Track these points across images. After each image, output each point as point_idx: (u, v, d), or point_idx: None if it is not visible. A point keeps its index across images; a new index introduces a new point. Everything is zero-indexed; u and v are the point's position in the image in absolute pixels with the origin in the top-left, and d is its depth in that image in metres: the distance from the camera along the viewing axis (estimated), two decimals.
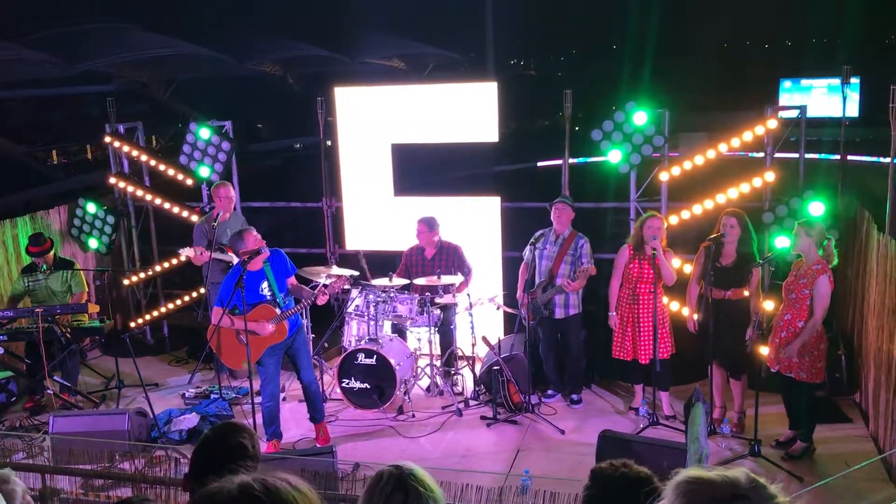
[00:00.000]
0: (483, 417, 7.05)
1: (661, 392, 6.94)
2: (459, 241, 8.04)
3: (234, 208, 8.32)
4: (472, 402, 7.36)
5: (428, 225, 7.83)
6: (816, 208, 7.02)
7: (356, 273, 7.80)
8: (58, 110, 31.28)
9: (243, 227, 7.94)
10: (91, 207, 9.16)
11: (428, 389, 7.68)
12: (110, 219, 9.20)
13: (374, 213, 8.76)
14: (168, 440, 6.62)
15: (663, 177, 7.83)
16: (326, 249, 9.10)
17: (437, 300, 7.53)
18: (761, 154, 7.63)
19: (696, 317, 6.69)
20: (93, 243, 9.23)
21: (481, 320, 7.88)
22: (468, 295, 7.66)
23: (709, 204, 7.61)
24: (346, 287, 6.45)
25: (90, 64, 27.13)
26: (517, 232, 8.30)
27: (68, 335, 7.43)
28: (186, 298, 9.41)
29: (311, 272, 7.48)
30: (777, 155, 7.53)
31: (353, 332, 7.66)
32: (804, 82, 31.98)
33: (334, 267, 7.98)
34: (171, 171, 9.16)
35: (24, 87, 28.53)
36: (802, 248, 5.98)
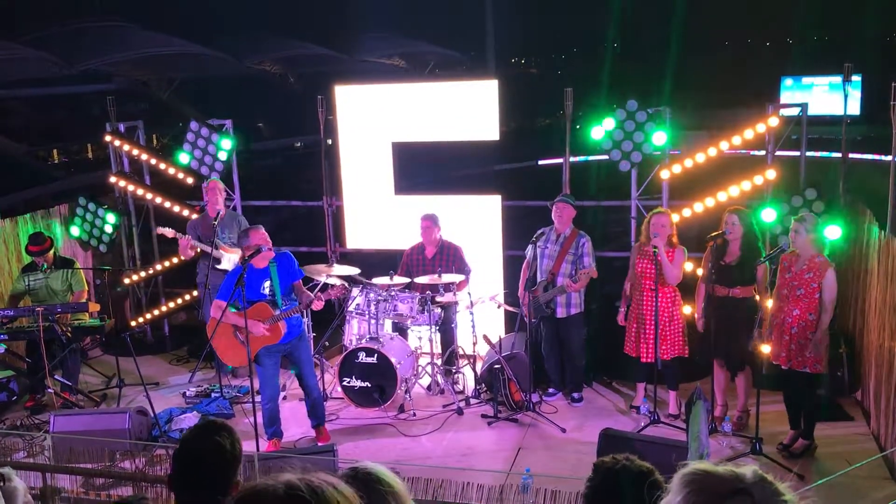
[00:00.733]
0: (484, 416, 7.04)
1: (669, 391, 6.93)
2: (460, 240, 8.03)
3: (234, 208, 8.34)
4: (472, 401, 7.36)
5: (433, 220, 7.84)
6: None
7: (357, 271, 7.80)
8: (58, 109, 31.28)
9: (248, 225, 8.01)
10: (83, 201, 9.15)
11: (429, 388, 7.67)
12: (111, 218, 9.19)
13: (375, 212, 8.76)
14: (169, 439, 6.62)
15: (664, 175, 7.82)
16: (327, 248, 9.09)
17: (438, 299, 7.52)
18: (762, 152, 7.62)
19: (697, 316, 6.69)
20: (102, 248, 9.25)
21: (482, 319, 7.87)
22: (469, 293, 7.66)
23: (710, 202, 7.60)
24: (343, 295, 6.45)
25: (91, 63, 27.12)
26: (518, 230, 8.30)
27: (69, 334, 7.43)
28: (187, 297, 9.41)
29: (312, 271, 7.49)
30: (778, 153, 7.52)
31: (354, 331, 7.66)
32: (805, 80, 31.95)
33: (335, 265, 7.98)
34: (171, 170, 9.15)
35: (24, 87, 28.51)
36: (803, 244, 5.98)
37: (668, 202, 7.86)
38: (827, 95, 29.20)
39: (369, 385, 7.20)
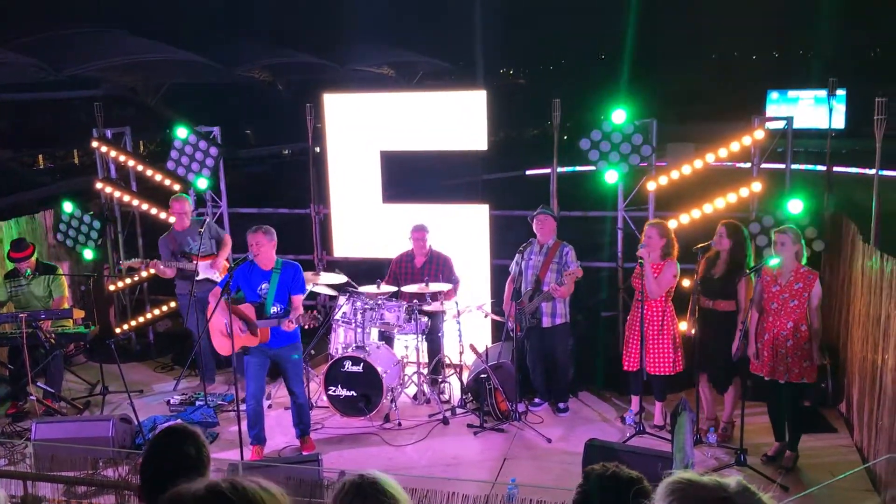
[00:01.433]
0: (470, 426, 7.04)
1: (655, 402, 6.94)
2: (448, 249, 8.04)
3: (221, 216, 8.34)
4: (458, 411, 7.35)
5: (425, 231, 7.84)
6: (795, 206, 7.07)
7: (344, 279, 7.79)
8: (45, 115, 31.17)
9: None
10: (68, 206, 9.11)
11: (415, 397, 7.66)
12: (96, 224, 9.15)
13: (363, 220, 8.75)
14: None
15: (651, 186, 7.86)
16: (314, 256, 9.08)
17: (425, 308, 7.52)
18: (748, 164, 7.67)
19: (685, 326, 6.72)
20: (88, 254, 9.19)
21: (469, 328, 7.87)
22: (456, 303, 7.66)
23: (696, 213, 7.64)
24: (312, 326, 6.43)
25: (78, 68, 27.05)
26: (505, 240, 8.32)
27: (52, 340, 7.37)
28: (172, 304, 9.36)
29: None
30: (764, 165, 7.57)
31: (340, 340, 7.64)
32: (791, 94, 32.28)
33: (322, 273, 7.97)
34: (158, 177, 9.12)
35: (10, 92, 28.39)
36: (788, 255, 6.02)
37: (654, 213, 7.90)
38: (812, 109, 29.52)
39: (355, 394, 7.17)
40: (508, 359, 7.26)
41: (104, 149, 9.20)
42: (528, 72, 58.18)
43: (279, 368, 6.63)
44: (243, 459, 6.03)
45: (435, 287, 7.52)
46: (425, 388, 7.62)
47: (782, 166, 7.53)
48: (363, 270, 8.37)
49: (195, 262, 7.78)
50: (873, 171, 6.69)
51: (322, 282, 7.80)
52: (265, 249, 6.32)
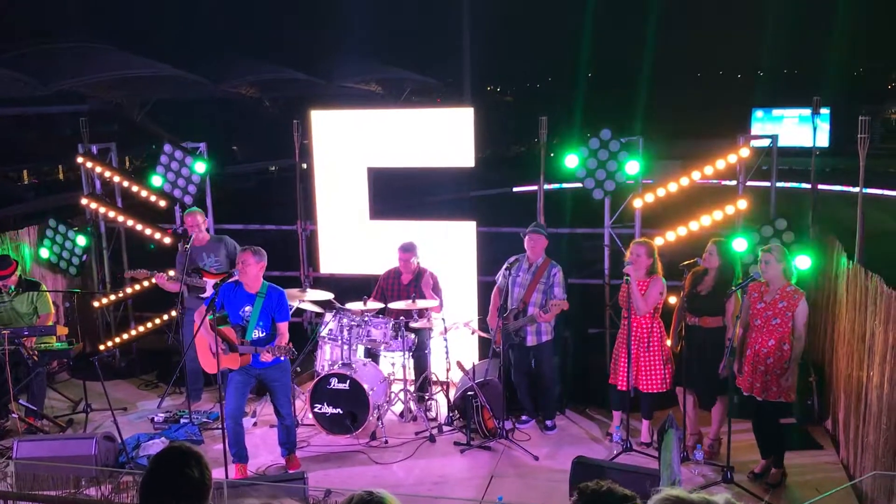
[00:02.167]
0: (457, 443, 7.00)
1: (642, 419, 6.93)
2: (435, 265, 8.03)
3: (208, 230, 8.31)
4: (445, 428, 7.32)
5: (411, 251, 7.82)
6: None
7: (330, 296, 7.77)
8: (30, 130, 31.03)
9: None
10: (52, 223, 9.06)
11: (401, 415, 7.62)
12: (81, 240, 9.09)
13: (350, 237, 8.73)
14: (136, 465, 6.50)
15: (637, 203, 7.89)
16: (301, 273, 9.05)
17: (412, 324, 7.50)
18: (734, 182, 7.72)
19: (669, 342, 6.73)
20: (72, 270, 9.14)
21: (456, 345, 7.85)
22: (443, 319, 7.64)
23: (682, 231, 7.68)
24: (289, 356, 6.39)
25: (63, 84, 26.96)
26: (492, 256, 8.31)
27: (35, 357, 7.30)
28: (157, 321, 9.30)
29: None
30: (749, 183, 7.62)
31: (327, 357, 7.60)
32: (776, 112, 32.61)
33: (308, 290, 7.94)
34: (143, 193, 9.08)
35: None
36: (773, 274, 6.04)
37: (640, 230, 7.93)
38: (797, 127, 29.80)
39: (341, 412, 7.13)
40: (495, 376, 7.24)
41: (90, 164, 9.16)
42: (515, 89, 58.53)
43: (266, 388, 6.59)
44: (228, 478, 5.98)
45: (422, 304, 7.50)
46: (412, 405, 7.59)
47: (767, 184, 7.59)
48: (350, 287, 8.34)
49: (206, 279, 7.74)
50: (857, 189, 6.74)
51: (308, 298, 7.78)
52: (251, 270, 6.24)
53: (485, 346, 8.07)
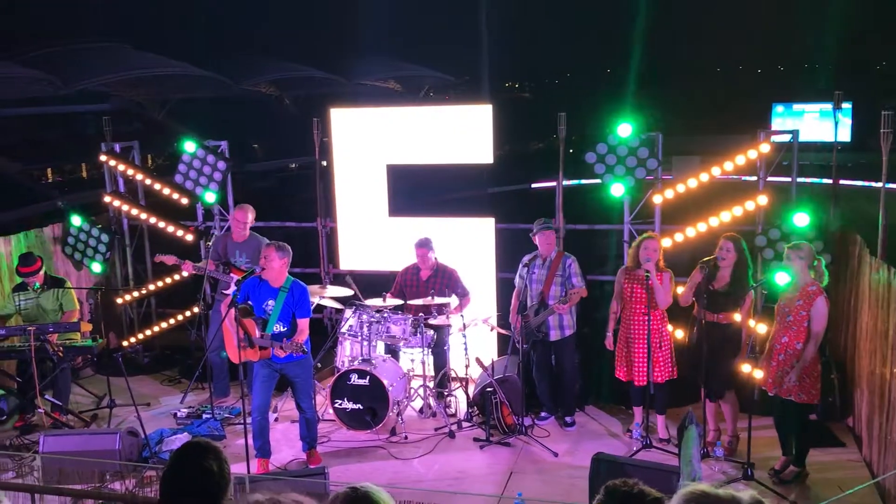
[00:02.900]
0: (476, 439, 7.03)
1: (657, 415, 6.93)
2: (453, 262, 8.05)
3: (227, 229, 8.37)
4: (465, 424, 7.34)
5: (427, 246, 7.85)
6: (801, 219, 7.07)
7: (350, 292, 7.81)
8: (54, 129, 31.34)
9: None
10: (76, 220, 9.16)
11: (421, 411, 7.65)
12: (104, 237, 9.19)
13: (369, 234, 8.78)
14: (159, 460, 6.57)
15: (657, 199, 7.87)
16: (321, 269, 9.10)
17: (431, 321, 7.53)
18: (754, 178, 7.68)
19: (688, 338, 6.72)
20: (96, 267, 9.24)
21: (475, 341, 7.87)
22: (462, 316, 7.66)
23: (702, 227, 7.65)
24: (299, 354, 6.42)
25: (86, 83, 27.21)
26: (511, 253, 8.32)
27: (60, 354, 7.40)
28: (180, 318, 9.39)
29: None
30: (769, 179, 7.58)
31: (347, 353, 7.65)
32: (796, 107, 32.29)
33: (329, 287, 7.99)
34: (165, 191, 9.17)
35: (20, 106, 28.58)
36: (796, 272, 6.01)
37: (660, 227, 7.91)
38: (818, 122, 29.52)
39: (361, 407, 7.18)
40: (514, 372, 7.26)
41: (112, 162, 9.26)
42: (533, 85, 58.36)
43: (288, 382, 6.64)
44: (249, 472, 6.03)
45: (441, 300, 7.53)
46: (431, 401, 7.62)
47: (788, 180, 7.54)
48: (369, 283, 8.38)
49: (232, 274, 7.81)
50: (880, 185, 6.69)
51: (329, 294, 7.82)
52: (274, 265, 6.28)
53: (504, 343, 8.08)
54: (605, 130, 7.83)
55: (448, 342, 7.75)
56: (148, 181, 9.31)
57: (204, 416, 7.54)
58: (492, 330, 8.05)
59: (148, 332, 9.42)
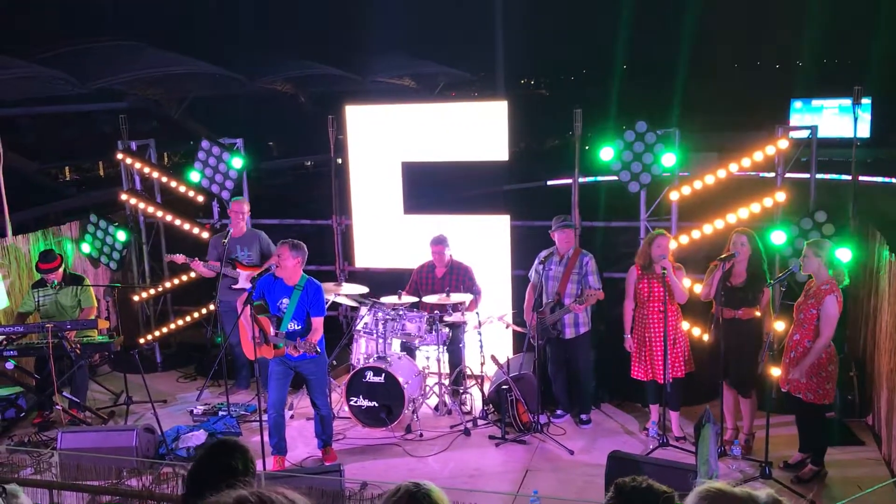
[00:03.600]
0: (491, 437, 7.01)
1: (671, 412, 6.89)
2: (469, 259, 8.04)
3: (247, 225, 8.42)
4: (480, 422, 7.33)
5: (443, 243, 7.84)
6: (820, 216, 7.02)
7: (365, 290, 7.82)
8: (70, 127, 31.56)
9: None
10: (93, 218, 9.22)
11: (436, 408, 7.65)
12: (121, 235, 9.24)
13: (384, 231, 8.78)
14: (176, 457, 6.61)
15: (673, 196, 7.82)
16: (336, 267, 9.11)
17: (447, 318, 7.52)
18: (772, 174, 7.62)
19: (706, 336, 6.67)
20: (113, 265, 9.32)
21: (490, 339, 7.86)
22: (477, 313, 7.65)
23: (719, 224, 7.59)
24: (313, 354, 6.42)
25: (103, 82, 27.34)
26: (526, 250, 8.29)
27: (78, 351, 7.45)
28: (196, 315, 9.43)
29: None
30: (788, 175, 7.51)
31: (362, 350, 7.66)
32: (815, 102, 31.99)
33: (344, 284, 8.00)
34: (182, 189, 9.21)
35: (37, 104, 28.78)
36: (812, 269, 5.96)
37: (676, 224, 7.86)
38: (837, 118, 29.22)
39: (376, 405, 7.18)
40: (530, 370, 7.24)
41: (129, 160, 9.30)
42: (549, 82, 58.18)
43: (303, 380, 6.65)
44: (265, 469, 6.05)
45: (456, 297, 7.52)
46: (447, 398, 7.61)
47: (807, 176, 7.47)
48: (384, 281, 8.38)
49: (238, 270, 7.88)
50: None
51: (344, 292, 7.83)
52: (288, 263, 6.27)
53: (519, 340, 8.06)
54: (622, 127, 7.79)
55: (463, 340, 7.74)
56: (164, 179, 9.35)
57: (220, 413, 7.57)
58: (507, 327, 8.03)
59: (164, 330, 9.47)
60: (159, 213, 9.27)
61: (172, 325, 9.49)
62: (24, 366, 7.79)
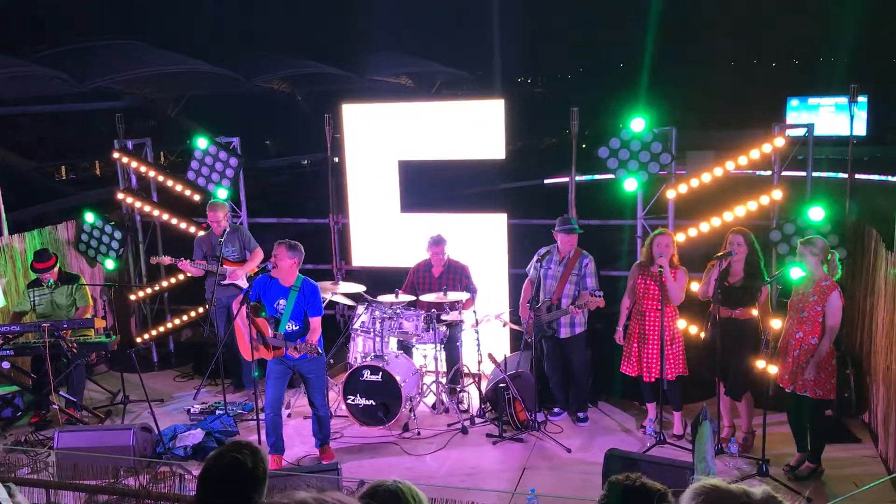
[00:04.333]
0: (489, 435, 7.02)
1: (673, 411, 6.89)
2: (466, 258, 8.04)
3: (240, 224, 8.42)
4: (477, 420, 7.33)
5: (441, 243, 7.84)
6: (816, 213, 7.02)
7: (362, 288, 7.82)
8: (67, 126, 31.53)
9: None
10: (90, 217, 9.21)
11: (433, 407, 7.65)
12: (117, 234, 9.23)
13: (381, 230, 8.77)
14: (173, 456, 6.61)
15: (670, 194, 7.83)
16: (333, 265, 9.11)
17: (444, 317, 7.52)
18: (769, 172, 7.63)
19: (703, 334, 6.67)
20: (109, 264, 9.32)
21: (487, 337, 7.86)
22: (474, 312, 7.65)
23: (716, 222, 7.60)
24: (313, 355, 6.42)
25: (100, 81, 27.30)
26: (523, 249, 8.31)
27: (74, 350, 7.44)
28: (193, 314, 9.42)
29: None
30: (784, 173, 7.52)
31: (359, 349, 7.65)
32: (811, 101, 32.04)
33: (341, 283, 7.99)
34: (178, 187, 9.20)
35: (33, 104, 28.74)
36: (811, 267, 5.96)
37: (673, 222, 7.87)
38: (833, 116, 29.27)
39: (374, 403, 7.18)
40: (527, 368, 7.24)
41: (125, 159, 9.29)
42: (546, 80, 58.18)
43: (301, 379, 6.65)
44: None
45: (453, 296, 7.52)
46: (444, 397, 7.61)
47: (803, 174, 7.48)
48: (382, 279, 8.38)
49: (224, 266, 7.90)
50: (895, 178, 6.61)
51: (341, 291, 7.83)
52: (283, 264, 6.25)
53: (516, 339, 8.06)
54: (619, 125, 7.79)
55: (461, 338, 7.74)
56: (160, 178, 9.33)
57: (217, 411, 7.56)
58: (504, 326, 8.03)
59: (161, 329, 9.46)
60: (156, 212, 9.26)
61: (169, 324, 9.48)
62: (20, 365, 7.78)
